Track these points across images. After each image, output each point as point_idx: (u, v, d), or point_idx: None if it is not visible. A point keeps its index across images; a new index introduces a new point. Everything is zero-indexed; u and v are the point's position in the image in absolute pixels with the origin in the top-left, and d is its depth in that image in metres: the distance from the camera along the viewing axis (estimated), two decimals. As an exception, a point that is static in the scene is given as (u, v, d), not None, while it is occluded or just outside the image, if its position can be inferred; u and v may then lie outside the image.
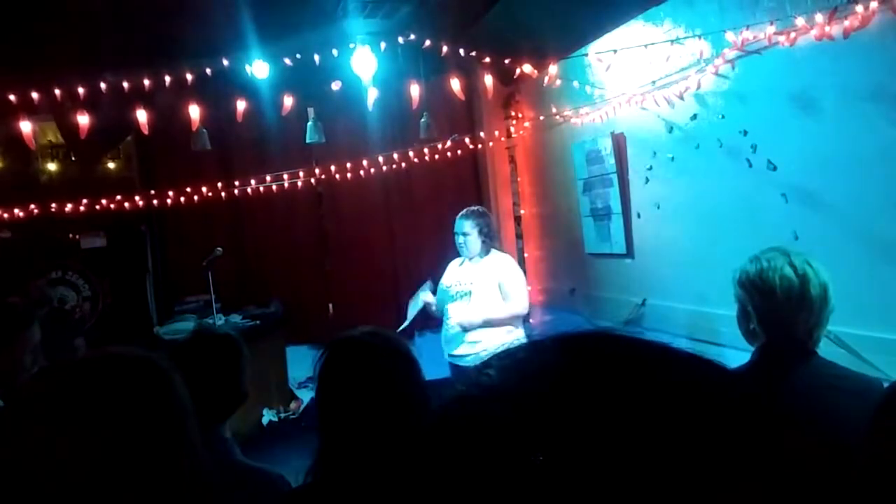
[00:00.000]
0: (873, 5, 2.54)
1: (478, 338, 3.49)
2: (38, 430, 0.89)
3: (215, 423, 1.64)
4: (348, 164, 5.15)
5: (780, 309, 1.58)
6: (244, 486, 1.56)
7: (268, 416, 5.17)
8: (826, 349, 1.69)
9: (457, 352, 3.53)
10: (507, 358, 0.40)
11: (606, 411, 0.34)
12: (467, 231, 3.55)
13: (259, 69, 3.70)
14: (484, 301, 3.52)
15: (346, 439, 1.35)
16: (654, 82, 3.78)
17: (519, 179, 5.89)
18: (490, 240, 3.60)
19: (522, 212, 5.87)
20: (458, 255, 3.74)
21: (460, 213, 3.63)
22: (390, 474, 1.34)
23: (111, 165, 5.93)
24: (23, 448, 0.88)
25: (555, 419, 0.33)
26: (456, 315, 3.55)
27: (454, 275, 3.70)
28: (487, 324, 3.46)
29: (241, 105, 3.83)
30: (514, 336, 3.47)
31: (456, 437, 0.36)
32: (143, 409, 0.93)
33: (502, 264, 3.60)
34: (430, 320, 4.09)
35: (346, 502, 1.30)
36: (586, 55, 4.07)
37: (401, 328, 3.78)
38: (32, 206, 4.78)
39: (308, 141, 4.39)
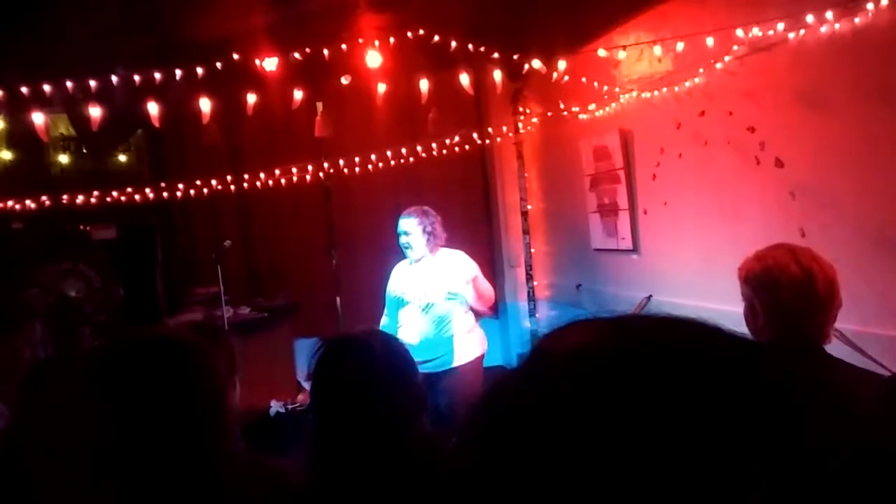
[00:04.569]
0: (883, 3, 2.53)
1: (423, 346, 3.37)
2: (83, 404, 0.93)
3: None
4: (356, 159, 5.17)
5: (787, 306, 1.57)
6: (255, 478, 1.49)
7: (275, 408, 5.22)
8: (832, 346, 1.69)
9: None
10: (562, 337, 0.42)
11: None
12: (409, 230, 3.44)
13: (269, 63, 3.71)
14: (446, 310, 3.41)
15: (339, 437, 1.34)
16: (662, 79, 3.78)
17: (526, 175, 5.90)
18: (434, 238, 3.46)
19: (529, 207, 5.87)
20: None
21: (403, 213, 3.53)
22: (384, 472, 1.36)
23: (122, 158, 5.98)
24: (63, 422, 0.92)
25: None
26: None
27: (403, 281, 3.56)
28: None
29: (250, 99, 3.84)
30: (469, 339, 3.41)
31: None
32: (191, 390, 0.98)
33: (450, 264, 3.46)
34: None
35: (339, 501, 1.30)
36: (595, 51, 4.06)
37: None
38: (44, 197, 4.82)
39: (317, 135, 4.41)
